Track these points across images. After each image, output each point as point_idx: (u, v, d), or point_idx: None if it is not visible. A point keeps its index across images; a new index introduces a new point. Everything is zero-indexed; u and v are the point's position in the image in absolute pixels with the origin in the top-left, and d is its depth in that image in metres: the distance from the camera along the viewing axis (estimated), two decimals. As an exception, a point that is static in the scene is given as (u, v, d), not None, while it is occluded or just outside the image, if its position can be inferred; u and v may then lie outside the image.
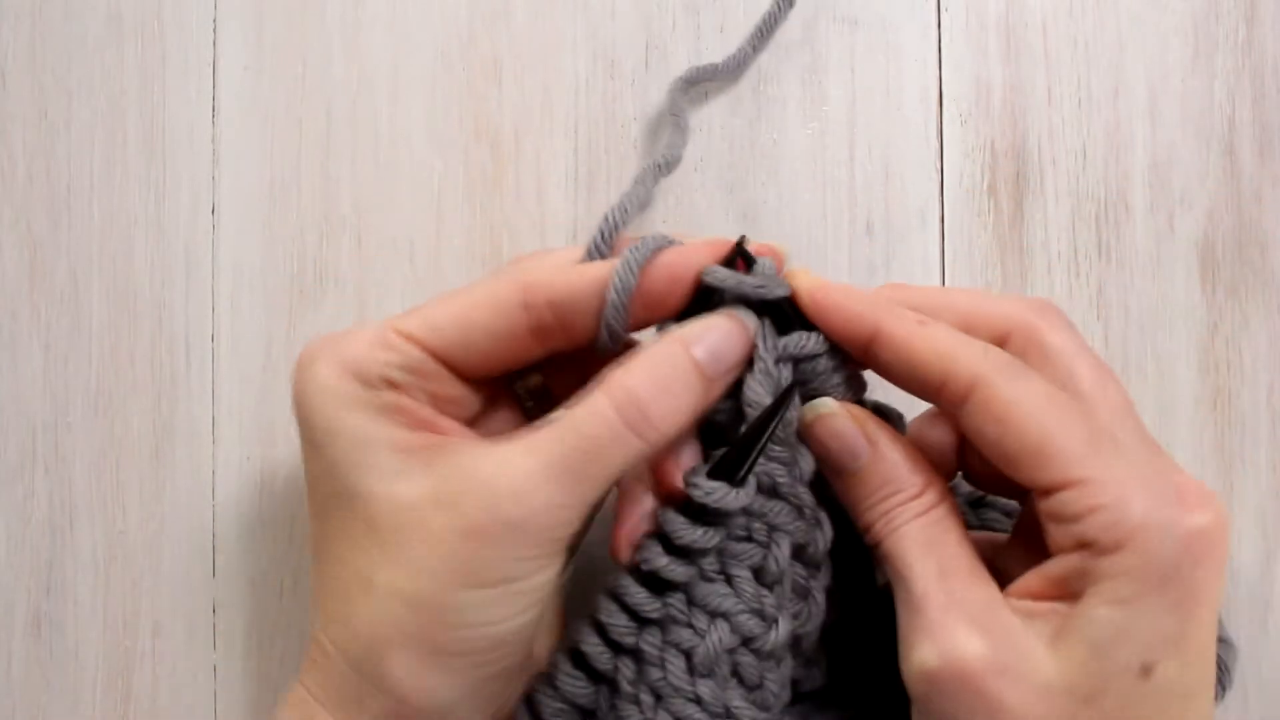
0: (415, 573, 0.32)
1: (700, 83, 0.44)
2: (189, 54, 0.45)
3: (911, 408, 0.36)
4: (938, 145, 0.45)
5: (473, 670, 0.32)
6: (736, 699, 0.33)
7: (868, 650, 0.37)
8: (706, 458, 0.35)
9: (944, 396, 0.33)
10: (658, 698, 0.33)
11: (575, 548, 0.40)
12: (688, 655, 0.33)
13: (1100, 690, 0.29)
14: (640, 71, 0.45)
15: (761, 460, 0.33)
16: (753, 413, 0.34)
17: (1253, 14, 0.45)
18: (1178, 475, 0.31)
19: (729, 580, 0.34)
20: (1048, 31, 0.45)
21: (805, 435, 0.35)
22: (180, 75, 0.45)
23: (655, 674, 0.33)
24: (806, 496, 0.34)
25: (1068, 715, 0.30)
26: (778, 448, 0.34)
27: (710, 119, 0.45)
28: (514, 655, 0.33)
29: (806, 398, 0.35)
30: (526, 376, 0.38)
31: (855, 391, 0.36)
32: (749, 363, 0.34)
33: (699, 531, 0.33)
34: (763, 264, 0.35)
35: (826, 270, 0.45)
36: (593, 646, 0.34)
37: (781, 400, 0.33)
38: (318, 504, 0.35)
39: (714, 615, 0.33)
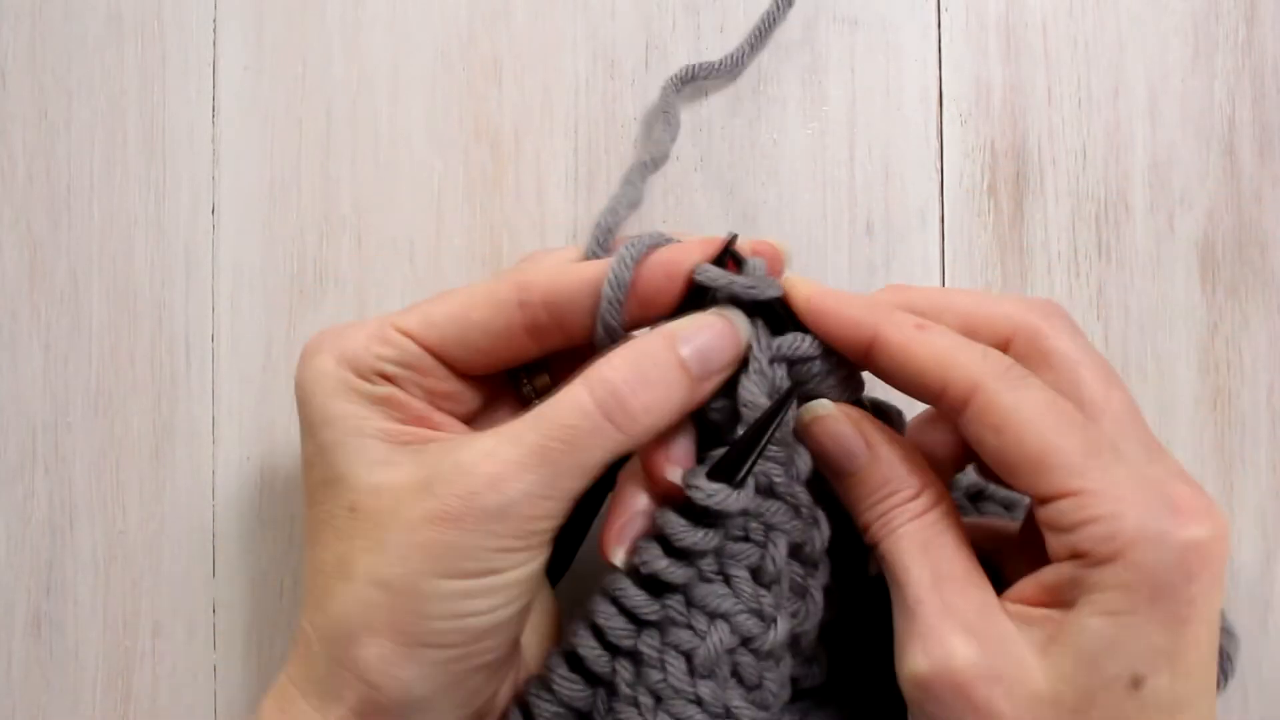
0: (392, 559, 0.32)
1: (696, 80, 0.44)
2: (189, 54, 0.45)
3: (911, 404, 0.36)
4: (938, 145, 0.45)
5: (450, 663, 0.32)
6: (736, 699, 0.33)
7: (867, 646, 0.37)
8: (701, 458, 0.35)
9: (943, 403, 0.32)
10: (657, 699, 0.33)
11: (573, 553, 0.40)
12: (688, 656, 0.33)
13: (1088, 701, 0.29)
14: (640, 71, 0.45)
15: (759, 460, 0.33)
16: (748, 413, 0.33)
17: (1253, 14, 0.45)
18: (1177, 485, 0.30)
19: (727, 581, 0.34)
20: (1048, 31, 0.45)
21: (803, 436, 0.35)
22: (180, 75, 0.45)
23: (655, 676, 0.33)
24: (803, 496, 0.34)
25: None
26: (774, 448, 0.34)
27: (710, 119, 0.45)
28: (495, 651, 0.33)
29: (804, 398, 0.35)
30: (535, 376, 0.38)
31: (853, 391, 0.36)
32: (743, 363, 0.34)
33: (699, 534, 0.33)
34: (754, 264, 0.35)
35: (826, 270, 0.45)
36: (590, 649, 0.34)
37: (781, 402, 0.33)
38: (310, 490, 0.35)
39: (713, 616, 0.33)
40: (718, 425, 0.35)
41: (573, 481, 0.32)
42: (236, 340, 0.45)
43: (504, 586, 0.32)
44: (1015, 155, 0.45)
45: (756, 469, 0.33)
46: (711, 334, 0.33)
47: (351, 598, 0.32)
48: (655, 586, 0.34)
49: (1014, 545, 0.35)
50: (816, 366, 0.34)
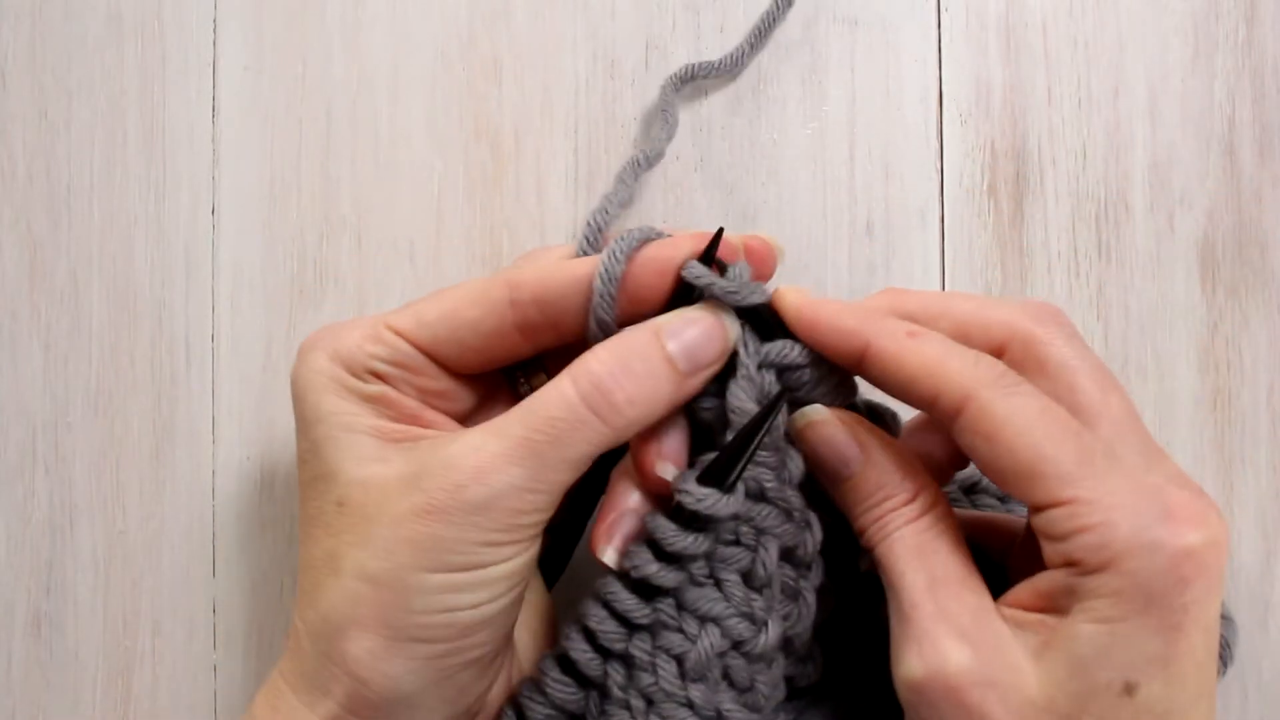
0: (378, 553, 0.32)
1: (695, 79, 0.44)
2: (189, 54, 0.45)
3: (906, 407, 0.36)
4: (938, 145, 0.45)
5: (439, 659, 0.32)
6: (728, 701, 0.33)
7: (864, 644, 0.37)
8: (692, 462, 0.35)
9: (936, 411, 0.32)
10: (649, 702, 0.33)
11: (570, 551, 0.40)
12: (679, 660, 0.33)
13: (1081, 707, 0.29)
14: (640, 71, 0.45)
15: (749, 466, 0.33)
16: (737, 419, 0.34)
17: (1253, 14, 0.45)
18: (1173, 491, 0.30)
19: (718, 584, 0.34)
20: (1048, 31, 0.45)
21: (797, 442, 0.35)
22: (180, 75, 0.45)
23: (646, 679, 0.33)
24: (795, 499, 0.34)
25: None
26: (765, 453, 0.34)
27: (710, 118, 0.45)
28: (484, 647, 0.33)
29: (797, 403, 0.35)
30: (532, 375, 0.38)
31: (845, 396, 0.36)
32: (732, 368, 0.34)
33: (689, 538, 0.33)
34: (738, 269, 0.34)
35: (826, 270, 0.45)
36: (581, 652, 0.34)
37: (769, 409, 0.33)
38: (303, 487, 0.35)
39: (704, 620, 0.33)
40: (709, 425, 0.35)
41: (558, 474, 0.32)
42: (236, 340, 0.45)
43: (491, 580, 0.32)
44: (1015, 155, 0.45)
45: (747, 474, 0.33)
46: (698, 329, 0.34)
47: (339, 593, 0.32)
48: (646, 590, 0.34)
49: (1020, 544, 0.35)
50: (807, 374, 0.35)
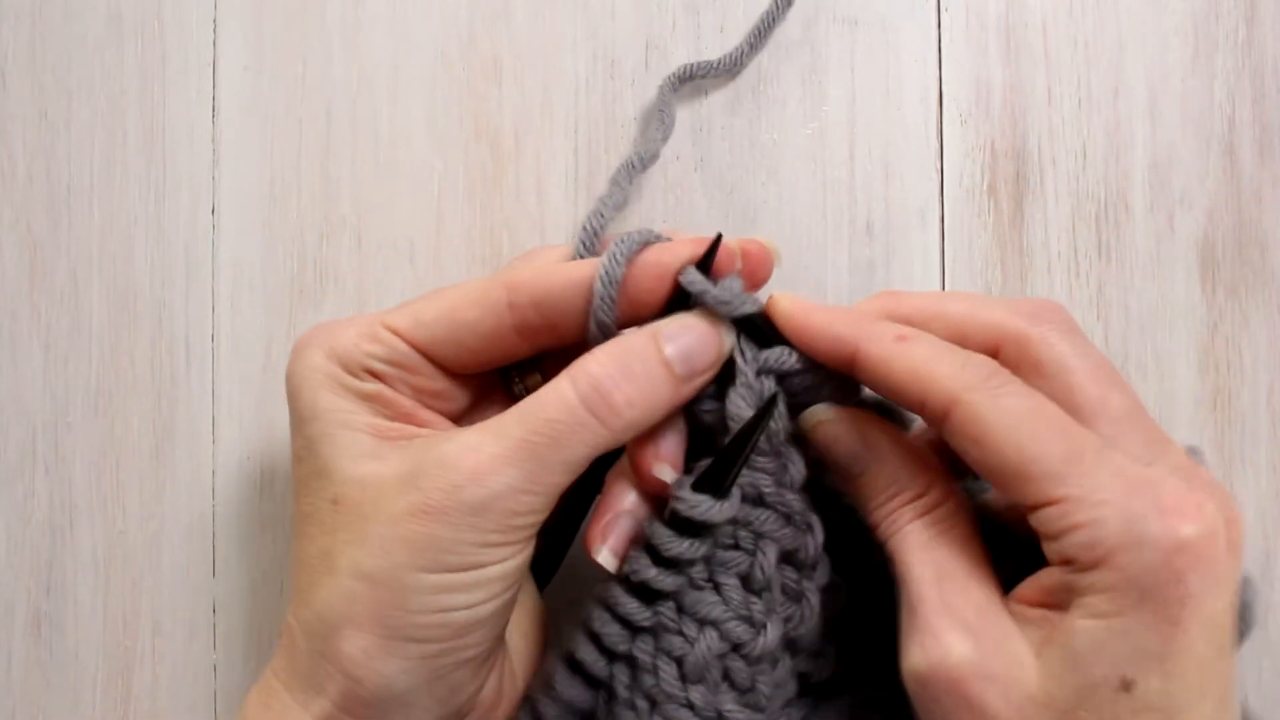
0: (374, 552, 0.32)
1: (694, 79, 0.44)
2: (189, 54, 0.45)
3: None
4: (938, 145, 0.45)
5: (432, 658, 0.32)
6: (728, 703, 0.34)
7: (878, 635, 0.37)
8: (691, 467, 0.35)
9: (925, 415, 0.32)
10: (652, 703, 0.34)
11: (562, 554, 0.40)
12: (679, 662, 0.34)
13: (1077, 703, 0.29)
14: (640, 71, 0.45)
15: (746, 471, 0.34)
16: (735, 426, 0.34)
17: (1253, 14, 0.45)
18: (1169, 483, 0.30)
19: (717, 588, 0.34)
20: (1048, 31, 0.45)
21: (807, 442, 0.35)
22: (180, 75, 0.45)
23: (649, 680, 0.34)
24: (796, 503, 0.34)
25: None
26: (762, 459, 0.34)
27: (710, 119, 0.45)
28: (477, 647, 0.33)
29: (804, 404, 0.35)
30: (527, 375, 0.38)
31: (851, 395, 0.36)
32: (731, 376, 0.34)
33: (685, 543, 0.33)
34: (729, 282, 0.35)
35: (826, 270, 0.45)
36: (588, 653, 0.34)
37: (761, 415, 0.34)
38: (298, 484, 0.35)
39: (703, 623, 0.34)
40: (710, 429, 0.35)
41: (556, 476, 0.32)
42: (236, 340, 0.45)
43: (486, 581, 0.32)
44: (1015, 155, 0.45)
45: (744, 479, 0.34)
46: (695, 335, 0.34)
47: (334, 591, 0.32)
48: (647, 594, 0.34)
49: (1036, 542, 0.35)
50: (808, 378, 0.35)
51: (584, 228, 0.38)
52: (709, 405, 0.35)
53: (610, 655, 0.34)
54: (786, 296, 0.35)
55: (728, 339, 0.34)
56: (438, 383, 0.36)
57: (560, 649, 0.36)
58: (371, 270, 0.45)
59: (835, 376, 0.35)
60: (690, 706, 0.33)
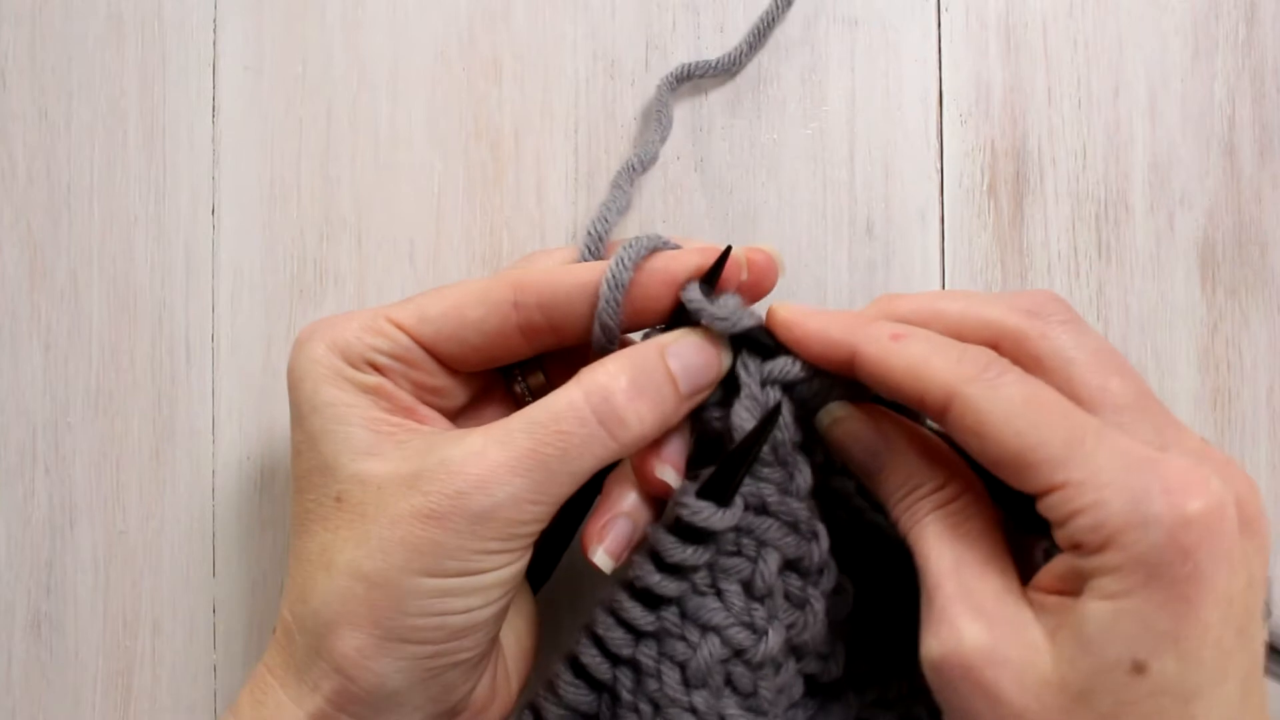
0: (374, 552, 0.32)
1: (692, 79, 0.44)
2: (189, 54, 0.45)
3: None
4: (938, 145, 0.45)
5: (427, 659, 0.33)
6: (731, 707, 0.34)
7: (889, 635, 0.37)
8: (692, 475, 0.35)
9: (926, 410, 0.33)
10: (656, 707, 0.34)
11: (558, 557, 0.40)
12: (682, 667, 0.34)
13: (1091, 687, 0.29)
14: (640, 71, 0.45)
15: (750, 480, 0.34)
16: (739, 437, 0.34)
17: (1253, 14, 0.45)
18: (1172, 461, 0.29)
19: (719, 594, 0.34)
20: (1048, 31, 0.45)
21: (826, 440, 0.35)
22: (180, 75, 0.45)
23: (652, 684, 0.34)
24: (801, 511, 0.35)
25: (1062, 711, 0.29)
26: (767, 468, 0.34)
27: (710, 118, 0.45)
28: (471, 650, 0.33)
29: (818, 406, 0.35)
30: (529, 374, 0.38)
31: (860, 396, 0.36)
32: (735, 388, 0.35)
33: (688, 550, 0.34)
34: (727, 300, 0.35)
35: (826, 270, 0.45)
36: (592, 657, 0.35)
37: (764, 424, 0.34)
38: (297, 479, 0.35)
39: (705, 629, 0.34)
40: (718, 435, 0.35)
41: (562, 487, 0.32)
42: (236, 340, 0.45)
43: (484, 588, 0.32)
44: (1015, 155, 0.45)
45: (748, 487, 0.34)
46: (699, 354, 0.34)
47: (332, 589, 0.32)
48: (651, 599, 0.34)
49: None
50: (815, 385, 0.35)
51: (589, 232, 0.38)
52: (717, 412, 0.35)
53: (614, 658, 0.35)
54: (784, 306, 0.35)
55: (725, 357, 0.35)
56: (438, 379, 0.36)
57: (556, 650, 0.36)
58: (371, 270, 0.45)
59: (843, 381, 0.35)
60: (693, 711, 0.34)
